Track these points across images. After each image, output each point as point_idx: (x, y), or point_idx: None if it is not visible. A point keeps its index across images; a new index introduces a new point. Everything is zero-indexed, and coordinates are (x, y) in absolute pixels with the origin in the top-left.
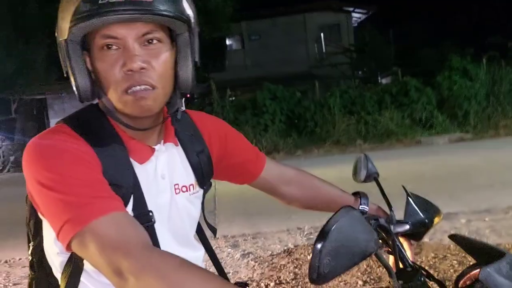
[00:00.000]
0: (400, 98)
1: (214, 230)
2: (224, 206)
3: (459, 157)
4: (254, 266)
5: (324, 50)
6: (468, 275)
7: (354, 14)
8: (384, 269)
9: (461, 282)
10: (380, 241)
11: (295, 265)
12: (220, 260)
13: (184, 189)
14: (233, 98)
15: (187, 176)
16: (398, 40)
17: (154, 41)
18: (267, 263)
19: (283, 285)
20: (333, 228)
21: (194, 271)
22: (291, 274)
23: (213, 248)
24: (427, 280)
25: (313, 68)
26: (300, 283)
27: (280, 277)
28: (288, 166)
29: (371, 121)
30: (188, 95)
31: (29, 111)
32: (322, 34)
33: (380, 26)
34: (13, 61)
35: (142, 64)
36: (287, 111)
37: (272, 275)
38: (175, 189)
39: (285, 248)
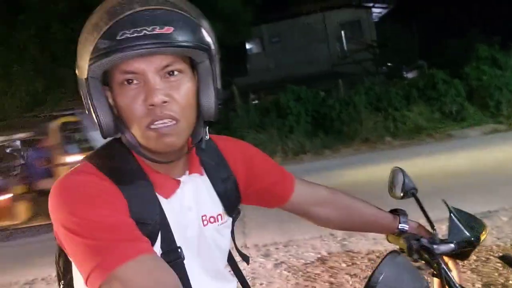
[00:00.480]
0: (428, 92)
1: (247, 259)
2: (254, 213)
3: (494, 149)
4: (287, 276)
5: (346, 48)
6: None
7: (374, 9)
8: None
9: None
10: (423, 262)
11: (330, 274)
12: (252, 270)
13: (212, 220)
14: (257, 101)
15: (214, 206)
16: (421, 32)
17: (175, 73)
18: (301, 272)
19: None
20: (380, 279)
21: None
22: (326, 283)
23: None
24: None
25: (336, 67)
26: None
27: (315, 286)
28: (319, 186)
29: (399, 117)
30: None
31: None
32: (343, 32)
33: (401, 19)
34: (42, 80)
35: (164, 97)
36: (312, 112)
37: (307, 286)
38: (202, 220)
39: (319, 256)
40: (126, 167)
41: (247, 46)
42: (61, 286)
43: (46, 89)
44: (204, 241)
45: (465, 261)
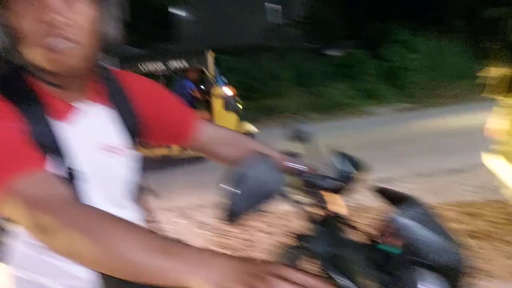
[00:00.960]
0: (346, 70)
1: (155, 193)
2: (174, 178)
3: (403, 126)
4: (205, 234)
5: (276, 22)
6: (384, 222)
7: None
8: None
9: (379, 227)
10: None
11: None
12: (176, 232)
13: (112, 149)
14: None
15: (115, 137)
16: (348, 13)
17: None
18: (217, 230)
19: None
20: (242, 171)
21: (120, 223)
22: (240, 240)
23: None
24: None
25: (265, 39)
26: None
27: (229, 244)
28: (225, 128)
29: (320, 92)
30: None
31: None
32: (273, 5)
33: None
34: None
35: (61, 18)
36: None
37: (221, 242)
38: (102, 149)
39: None
40: (21, 88)
41: (175, 11)
42: None
43: None
44: (105, 168)
45: (360, 220)
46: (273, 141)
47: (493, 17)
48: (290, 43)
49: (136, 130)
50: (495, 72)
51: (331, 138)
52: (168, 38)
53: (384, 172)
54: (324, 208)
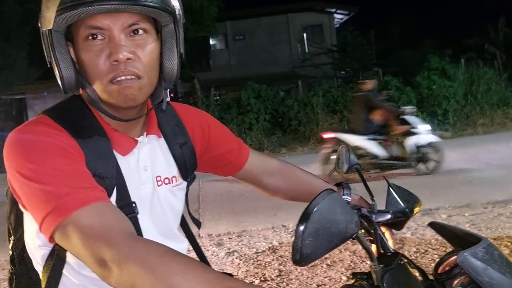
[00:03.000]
0: None
1: (198, 223)
2: (209, 205)
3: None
4: (239, 264)
5: (307, 51)
6: (447, 261)
7: (336, 15)
8: (368, 266)
9: (441, 268)
10: (363, 230)
11: (280, 262)
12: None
13: (166, 181)
14: (218, 97)
15: (169, 168)
16: (379, 41)
17: (140, 32)
18: (252, 260)
19: (268, 282)
20: (315, 209)
21: (179, 258)
22: (275, 271)
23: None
24: (407, 265)
25: (296, 68)
26: (285, 279)
27: (264, 274)
28: (272, 157)
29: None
30: (172, 94)
31: (8, 111)
32: (305, 35)
33: (361, 27)
34: None
35: (128, 54)
36: (271, 110)
37: (257, 273)
38: (157, 181)
39: (270, 245)
40: (84, 122)
41: (211, 41)
42: (11, 242)
43: None
44: (158, 200)
45: (406, 253)
46: (302, 166)
47: None
48: (322, 71)
49: (189, 161)
50: None
51: None
52: (205, 68)
53: (427, 204)
54: (380, 243)
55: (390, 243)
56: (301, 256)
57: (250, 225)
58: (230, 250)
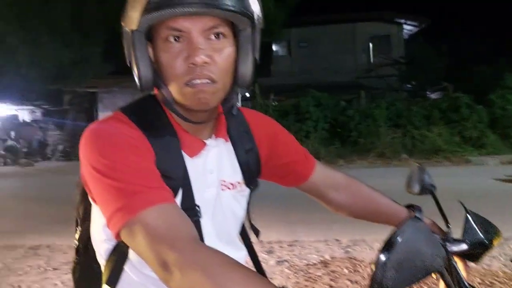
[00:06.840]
0: (450, 115)
1: (257, 232)
2: (264, 210)
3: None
4: (288, 274)
5: (372, 61)
6: None
7: (405, 26)
8: None
9: None
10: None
11: (331, 278)
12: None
13: (230, 186)
14: (276, 102)
15: (234, 173)
16: (450, 55)
17: (219, 35)
18: (302, 272)
19: None
20: (400, 239)
21: (240, 269)
22: (326, 286)
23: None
24: None
25: (360, 78)
26: None
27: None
28: (338, 172)
29: (418, 136)
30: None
31: (81, 103)
32: (371, 45)
33: (432, 39)
34: (70, 54)
35: (205, 58)
36: (330, 119)
37: (307, 286)
38: (221, 185)
39: (322, 259)
40: (157, 121)
41: (274, 47)
42: (78, 232)
43: (73, 64)
44: (220, 205)
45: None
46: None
47: None
48: (386, 83)
49: (254, 167)
50: None
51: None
52: (267, 73)
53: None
54: (456, 275)
55: (464, 275)
56: (380, 286)
57: (302, 236)
58: (281, 259)
